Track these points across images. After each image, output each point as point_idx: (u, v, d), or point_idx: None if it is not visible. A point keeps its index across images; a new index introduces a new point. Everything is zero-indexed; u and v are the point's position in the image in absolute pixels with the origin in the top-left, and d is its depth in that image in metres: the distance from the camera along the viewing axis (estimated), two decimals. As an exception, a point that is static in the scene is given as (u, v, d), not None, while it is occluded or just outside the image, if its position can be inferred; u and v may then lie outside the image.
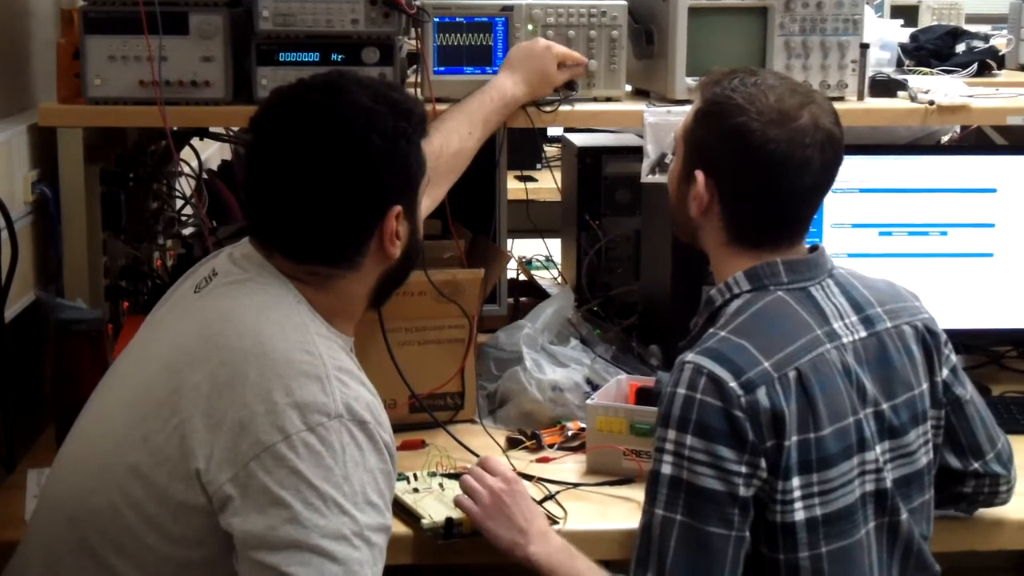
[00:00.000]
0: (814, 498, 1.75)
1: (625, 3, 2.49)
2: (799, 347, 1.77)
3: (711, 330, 1.81)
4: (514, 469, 2.21)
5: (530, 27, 2.43)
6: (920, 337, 1.91)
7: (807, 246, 1.91)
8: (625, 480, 2.18)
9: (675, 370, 1.77)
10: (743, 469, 1.71)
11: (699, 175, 1.88)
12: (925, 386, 1.89)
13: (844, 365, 1.80)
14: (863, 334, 1.84)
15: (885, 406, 1.83)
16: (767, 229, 1.87)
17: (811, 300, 1.84)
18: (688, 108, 2.39)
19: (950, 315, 2.28)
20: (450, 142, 2.26)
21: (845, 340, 1.82)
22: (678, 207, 1.96)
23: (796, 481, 1.73)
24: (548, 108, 2.42)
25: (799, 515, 1.74)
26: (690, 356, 1.76)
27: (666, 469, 1.73)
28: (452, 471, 2.16)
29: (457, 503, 1.98)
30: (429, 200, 2.20)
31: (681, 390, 1.74)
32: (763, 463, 1.72)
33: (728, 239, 1.89)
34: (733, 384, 1.71)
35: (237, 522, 1.58)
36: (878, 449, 1.81)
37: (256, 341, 1.66)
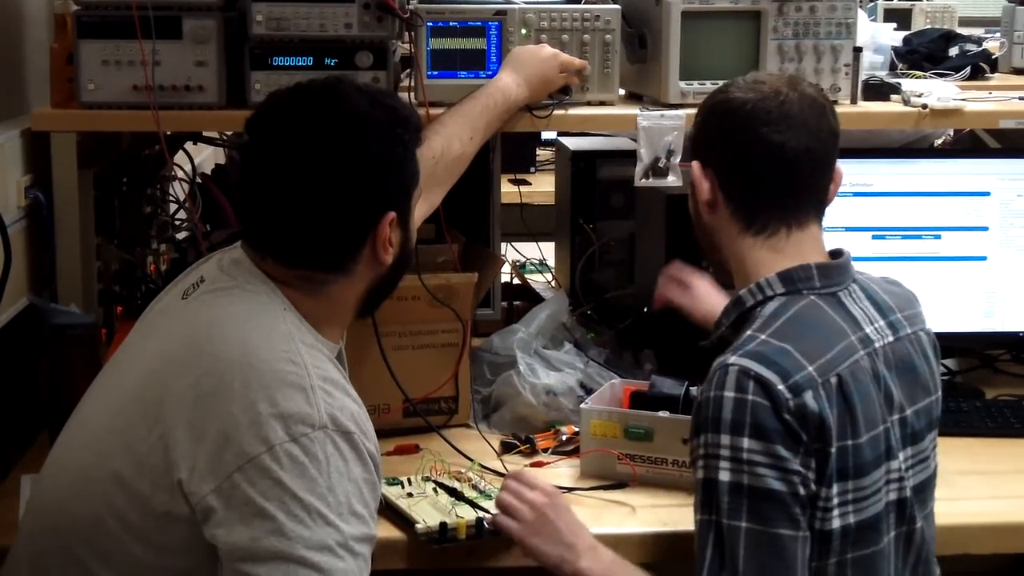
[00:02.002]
0: (848, 506, 1.73)
1: (618, 7, 2.49)
2: (838, 353, 1.75)
3: (749, 332, 1.77)
4: (508, 472, 2.21)
5: (524, 31, 2.43)
6: (932, 343, 1.92)
7: (828, 250, 1.89)
8: (619, 484, 2.17)
9: (716, 373, 1.72)
10: (800, 469, 1.68)
11: (694, 167, 1.88)
12: (939, 393, 1.90)
13: (875, 372, 1.79)
14: (891, 339, 1.84)
15: (909, 412, 1.83)
16: (766, 198, 1.84)
17: (842, 306, 1.82)
18: (681, 112, 2.42)
19: (944, 318, 2.29)
20: (451, 147, 2.25)
21: (877, 345, 1.81)
22: (697, 223, 1.94)
23: (835, 488, 1.71)
24: (542, 112, 2.42)
25: (835, 523, 1.72)
26: (732, 359, 1.72)
27: (724, 476, 1.68)
28: (447, 476, 2.16)
29: (495, 523, 1.94)
30: (427, 205, 2.20)
31: (729, 393, 1.69)
32: (813, 464, 1.69)
33: (740, 228, 1.86)
34: (781, 387, 1.68)
35: (221, 533, 1.57)
36: (901, 456, 1.81)
37: (241, 351, 1.65)
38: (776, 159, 1.82)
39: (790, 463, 1.67)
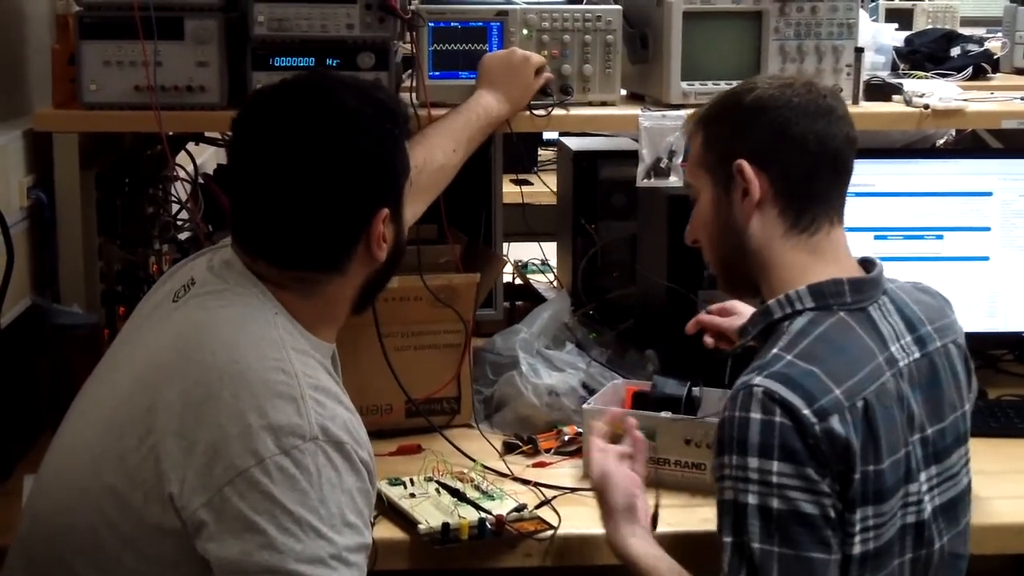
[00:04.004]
0: (869, 532, 1.69)
1: (620, 8, 2.49)
2: (865, 376, 1.71)
3: (775, 351, 1.72)
4: (512, 475, 2.22)
5: (525, 32, 2.43)
6: (963, 356, 1.89)
7: (859, 258, 1.86)
8: (621, 484, 2.17)
9: (741, 394, 1.67)
10: (828, 490, 1.65)
11: (741, 165, 1.80)
12: (968, 407, 1.87)
13: (899, 393, 1.75)
14: (917, 355, 1.80)
15: (931, 431, 1.79)
16: (819, 191, 1.81)
17: (870, 322, 1.78)
18: (683, 112, 2.42)
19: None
20: (434, 157, 2.24)
21: (902, 364, 1.77)
22: (725, 229, 1.86)
23: (858, 514, 1.68)
24: (542, 112, 2.42)
25: (856, 548, 1.68)
26: (758, 380, 1.66)
27: (752, 499, 1.64)
28: (449, 477, 2.16)
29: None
30: (409, 214, 2.18)
31: (756, 415, 1.64)
32: (838, 488, 1.66)
33: (787, 227, 1.81)
34: (807, 411, 1.64)
35: (212, 547, 1.56)
36: (923, 477, 1.77)
37: (231, 360, 1.62)
38: (831, 150, 1.80)
39: (820, 484, 1.64)
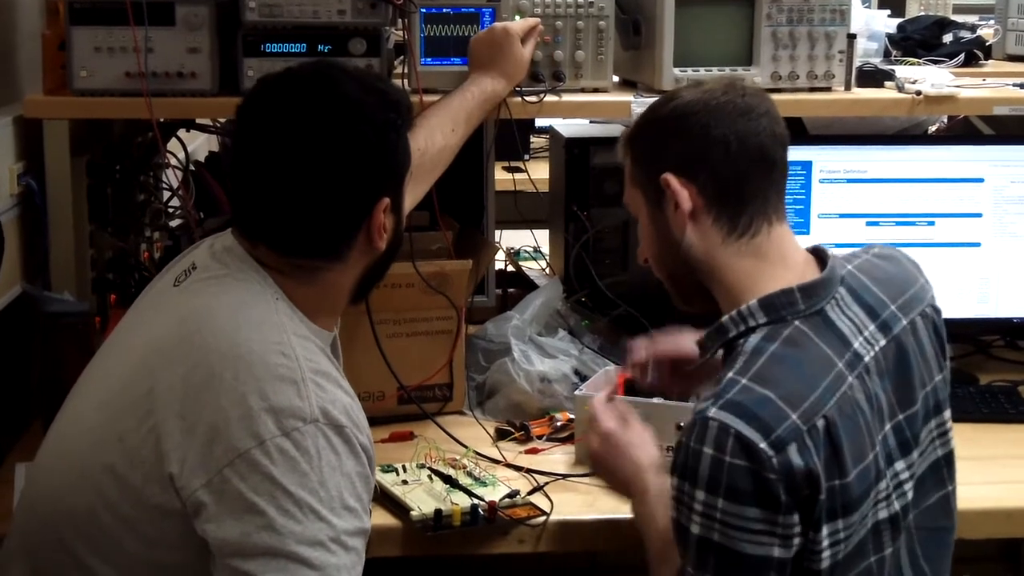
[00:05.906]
0: (839, 545, 1.67)
1: (612, -7, 2.49)
2: (824, 390, 1.66)
3: (730, 375, 1.67)
4: (505, 461, 2.22)
5: (517, 17, 2.43)
6: (931, 323, 1.86)
7: (809, 247, 1.83)
8: (614, 471, 2.17)
9: (697, 424, 1.63)
10: (777, 530, 1.62)
11: (667, 179, 1.77)
12: (939, 376, 1.85)
13: (866, 392, 1.71)
14: (883, 343, 1.76)
15: (901, 417, 1.77)
16: (751, 192, 1.77)
17: (828, 325, 1.73)
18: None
19: (938, 304, 2.30)
20: (434, 139, 2.24)
21: (867, 358, 1.73)
22: (664, 247, 1.84)
23: (825, 530, 1.65)
24: (534, 98, 2.42)
25: (825, 563, 1.66)
26: (713, 411, 1.62)
27: (695, 528, 1.63)
28: (441, 463, 2.16)
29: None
30: (412, 197, 2.18)
31: (708, 450, 1.61)
32: (797, 519, 1.62)
33: (725, 234, 1.77)
34: (763, 445, 1.60)
35: (212, 528, 1.57)
36: (899, 465, 1.76)
37: (232, 343, 1.64)
38: (755, 148, 1.76)
39: (764, 526, 1.61)
